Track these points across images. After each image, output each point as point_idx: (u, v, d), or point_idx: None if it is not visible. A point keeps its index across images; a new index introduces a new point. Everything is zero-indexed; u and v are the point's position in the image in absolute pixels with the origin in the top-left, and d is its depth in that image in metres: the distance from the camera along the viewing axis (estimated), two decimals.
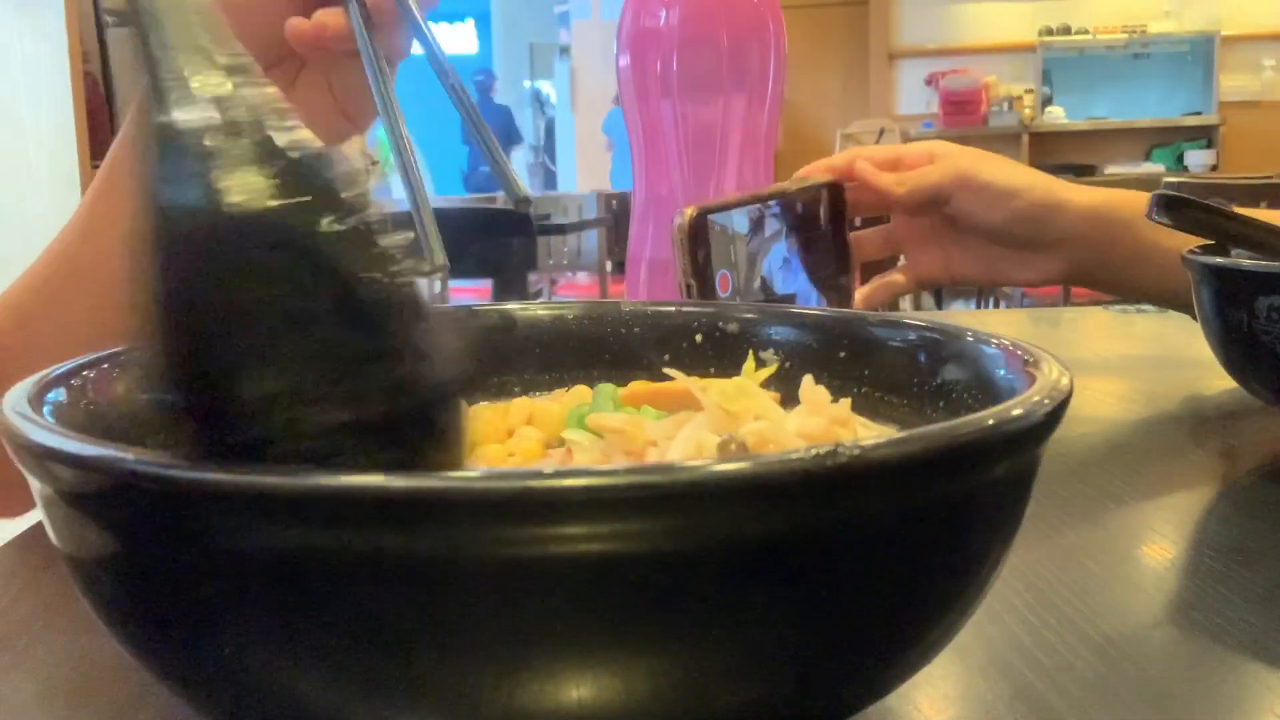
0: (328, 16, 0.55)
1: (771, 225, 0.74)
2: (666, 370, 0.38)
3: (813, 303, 0.77)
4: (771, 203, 0.73)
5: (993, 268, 0.80)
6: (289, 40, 0.56)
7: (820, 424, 0.33)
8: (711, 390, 0.35)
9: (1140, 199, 0.82)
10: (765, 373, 0.39)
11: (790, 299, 0.75)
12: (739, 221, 0.69)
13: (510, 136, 6.72)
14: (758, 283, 0.72)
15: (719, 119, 0.77)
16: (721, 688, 0.23)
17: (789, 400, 0.36)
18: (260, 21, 0.57)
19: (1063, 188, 0.79)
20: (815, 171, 0.78)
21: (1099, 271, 0.81)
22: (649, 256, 0.82)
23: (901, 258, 0.84)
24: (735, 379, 0.37)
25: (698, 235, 0.65)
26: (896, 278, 0.83)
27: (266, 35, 0.57)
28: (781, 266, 0.75)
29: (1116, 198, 0.80)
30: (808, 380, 0.36)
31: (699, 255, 0.65)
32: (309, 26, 0.55)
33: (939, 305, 3.35)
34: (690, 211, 0.64)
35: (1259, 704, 0.33)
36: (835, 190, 0.77)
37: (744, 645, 0.22)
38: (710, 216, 0.66)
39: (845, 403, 0.35)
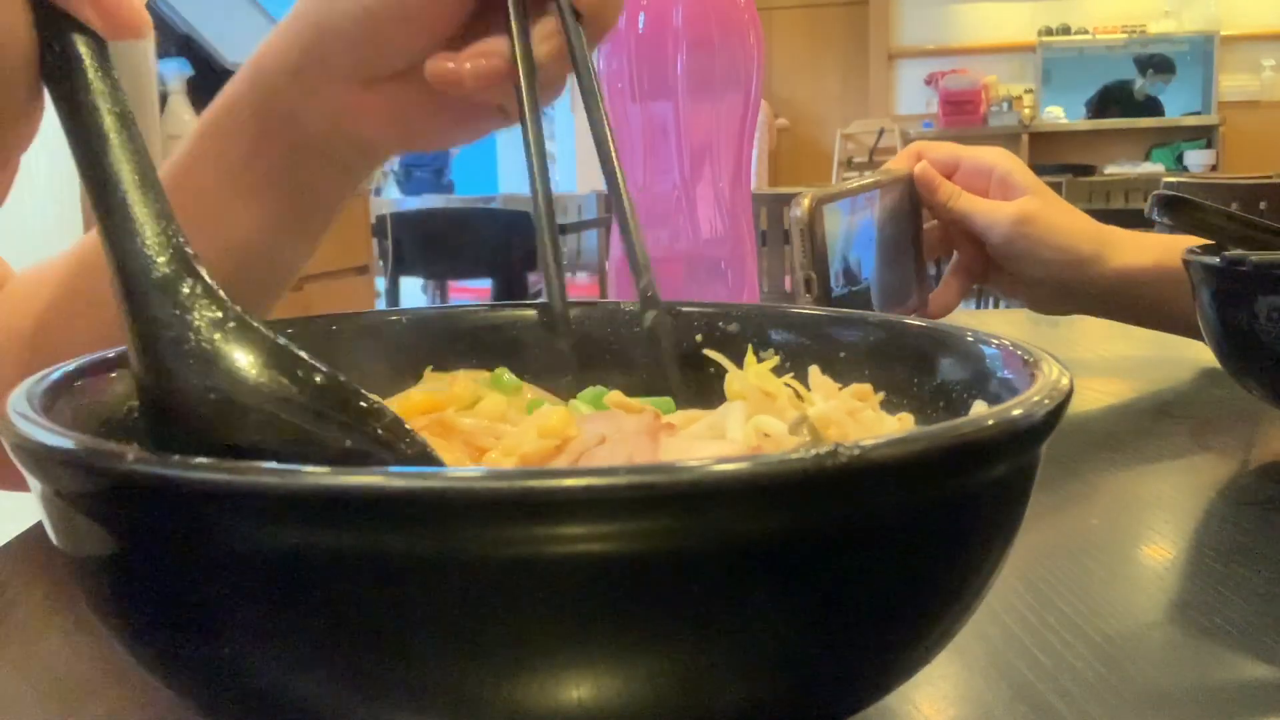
0: (476, 61, 0.45)
1: (861, 216, 0.71)
2: (707, 352, 0.38)
3: (892, 293, 0.76)
4: (869, 193, 0.71)
5: (1036, 301, 0.83)
6: (430, 82, 0.46)
7: (860, 406, 0.33)
8: (749, 373, 0.35)
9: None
10: (769, 364, 0.39)
11: (865, 292, 0.73)
12: (836, 211, 0.66)
13: None
14: (841, 271, 0.69)
15: (707, 122, 0.77)
16: (721, 688, 0.23)
17: None
18: (401, 45, 0.48)
19: (1107, 255, 0.78)
20: (900, 163, 0.78)
21: (1139, 317, 0.83)
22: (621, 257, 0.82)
23: (955, 255, 0.83)
24: (752, 367, 0.37)
25: (815, 225, 0.61)
26: (955, 282, 0.83)
27: (403, 53, 0.48)
28: (865, 255, 0.73)
29: (1170, 252, 0.77)
30: (815, 369, 0.36)
31: (818, 247, 0.62)
32: (453, 74, 0.45)
33: None
34: (808, 201, 0.61)
35: (1259, 704, 0.33)
36: (913, 185, 0.77)
37: (744, 645, 0.22)
38: (824, 206, 0.62)
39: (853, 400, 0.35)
